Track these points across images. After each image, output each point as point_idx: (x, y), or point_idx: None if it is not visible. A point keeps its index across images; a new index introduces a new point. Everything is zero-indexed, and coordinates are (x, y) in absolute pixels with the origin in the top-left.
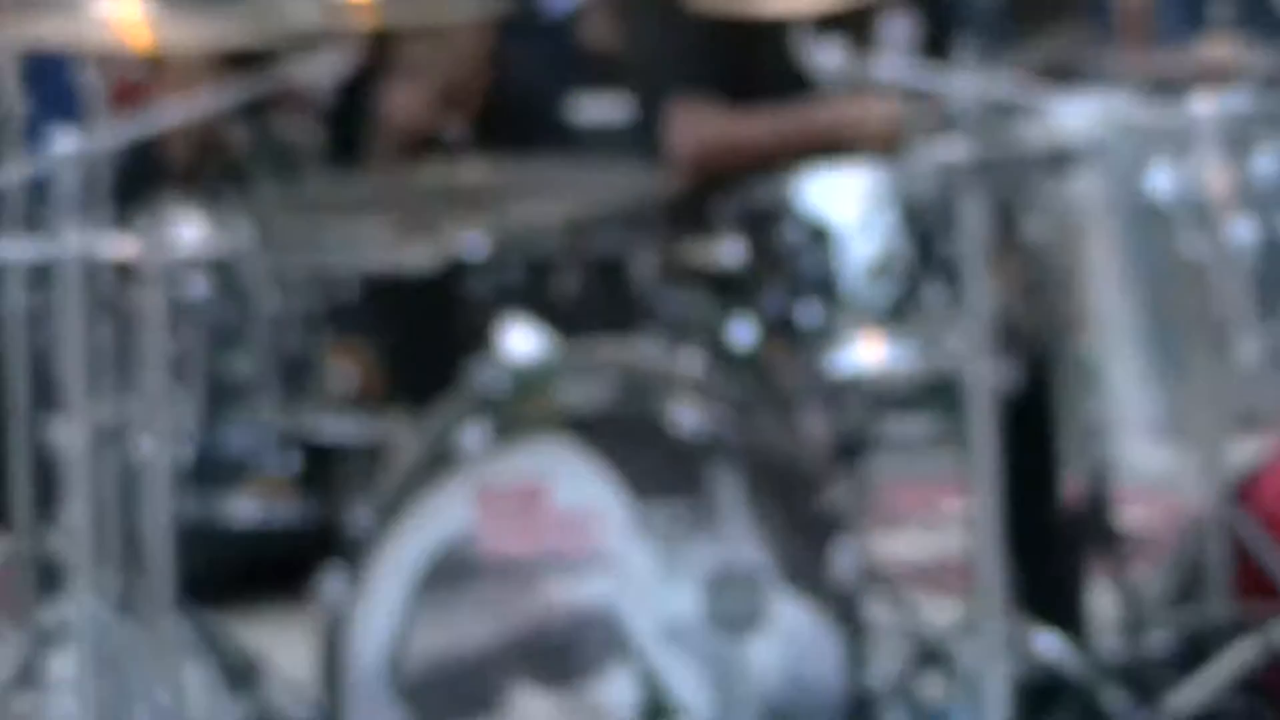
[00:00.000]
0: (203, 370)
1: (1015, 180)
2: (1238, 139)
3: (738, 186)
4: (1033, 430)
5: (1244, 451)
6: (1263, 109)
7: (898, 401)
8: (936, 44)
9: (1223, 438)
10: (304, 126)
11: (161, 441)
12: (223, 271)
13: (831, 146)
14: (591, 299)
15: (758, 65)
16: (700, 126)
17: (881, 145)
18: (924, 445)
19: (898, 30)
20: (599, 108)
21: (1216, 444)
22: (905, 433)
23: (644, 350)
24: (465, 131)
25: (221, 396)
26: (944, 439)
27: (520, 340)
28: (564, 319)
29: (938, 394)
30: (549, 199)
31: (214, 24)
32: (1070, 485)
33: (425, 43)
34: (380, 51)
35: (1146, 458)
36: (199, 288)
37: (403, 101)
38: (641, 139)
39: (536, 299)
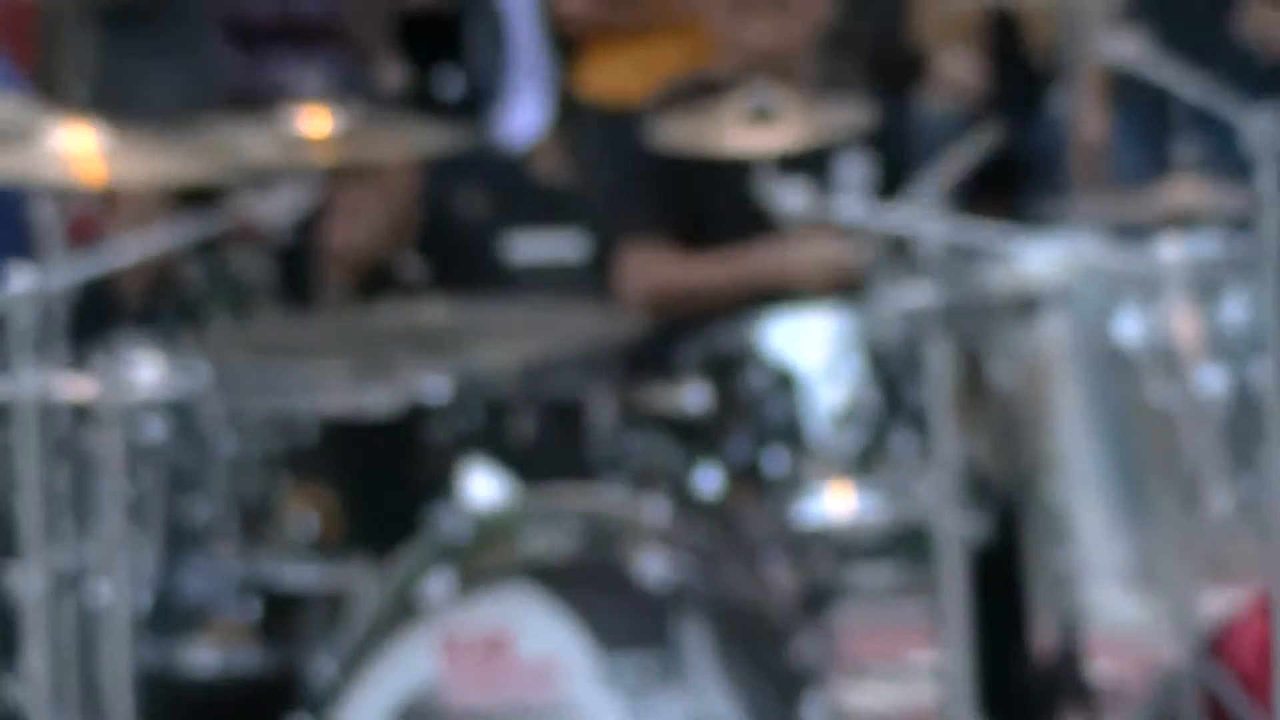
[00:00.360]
0: (161, 514)
1: (982, 326)
2: (1206, 284)
3: (700, 330)
4: (1003, 579)
5: (1216, 602)
6: (1230, 253)
7: (865, 550)
8: (892, 185)
9: (1194, 588)
10: (259, 262)
11: (120, 587)
12: (180, 413)
13: (783, 289)
14: (551, 442)
15: (716, 204)
16: (650, 269)
17: (833, 286)
18: (892, 593)
19: (854, 171)
20: (548, 244)
21: (1188, 594)
22: (872, 580)
23: (608, 497)
24: (420, 267)
25: (180, 541)
26: (912, 587)
27: (482, 485)
28: (524, 463)
29: (905, 542)
30: (509, 341)
31: (169, 159)
32: (1041, 635)
33: (360, 178)
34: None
35: (1117, 607)
36: (156, 430)
37: (343, 235)
38: (594, 277)
39: (496, 442)
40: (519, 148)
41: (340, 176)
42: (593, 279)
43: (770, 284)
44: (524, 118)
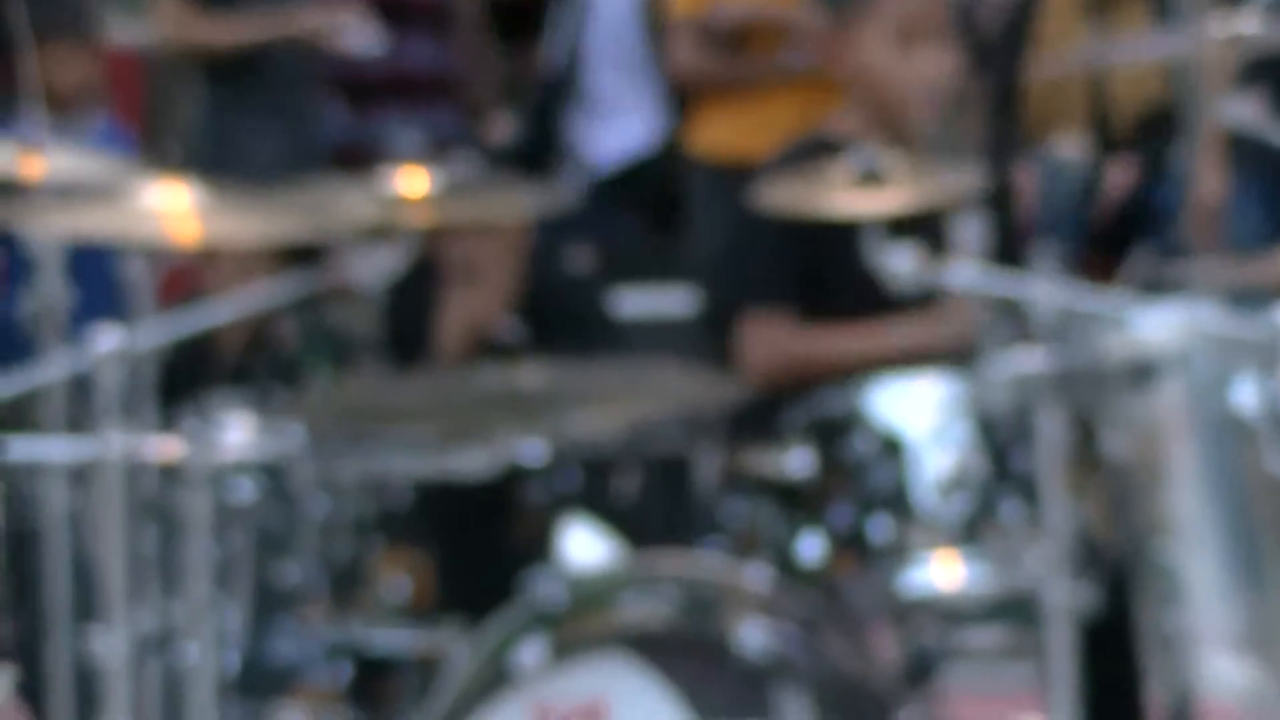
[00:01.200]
0: (250, 576)
1: (1095, 392)
2: None
3: (806, 394)
4: (1114, 646)
5: None
6: None
7: (971, 616)
8: (1010, 249)
9: None
10: (358, 320)
11: (207, 650)
12: (271, 475)
13: (906, 362)
14: (652, 505)
15: (828, 267)
16: (773, 341)
17: (956, 357)
18: (998, 658)
19: (971, 232)
20: (656, 300)
21: None
22: (979, 645)
23: (708, 563)
24: (523, 332)
25: (269, 604)
26: (1019, 651)
27: (580, 549)
28: (624, 526)
29: (1013, 607)
30: (609, 406)
31: (266, 217)
32: (1153, 703)
33: (477, 241)
34: (433, 248)
35: (1231, 675)
36: (246, 491)
37: (467, 306)
38: (703, 334)
39: (596, 503)
40: (629, 160)
41: (455, 239)
42: (702, 336)
43: (897, 358)
44: (634, 131)
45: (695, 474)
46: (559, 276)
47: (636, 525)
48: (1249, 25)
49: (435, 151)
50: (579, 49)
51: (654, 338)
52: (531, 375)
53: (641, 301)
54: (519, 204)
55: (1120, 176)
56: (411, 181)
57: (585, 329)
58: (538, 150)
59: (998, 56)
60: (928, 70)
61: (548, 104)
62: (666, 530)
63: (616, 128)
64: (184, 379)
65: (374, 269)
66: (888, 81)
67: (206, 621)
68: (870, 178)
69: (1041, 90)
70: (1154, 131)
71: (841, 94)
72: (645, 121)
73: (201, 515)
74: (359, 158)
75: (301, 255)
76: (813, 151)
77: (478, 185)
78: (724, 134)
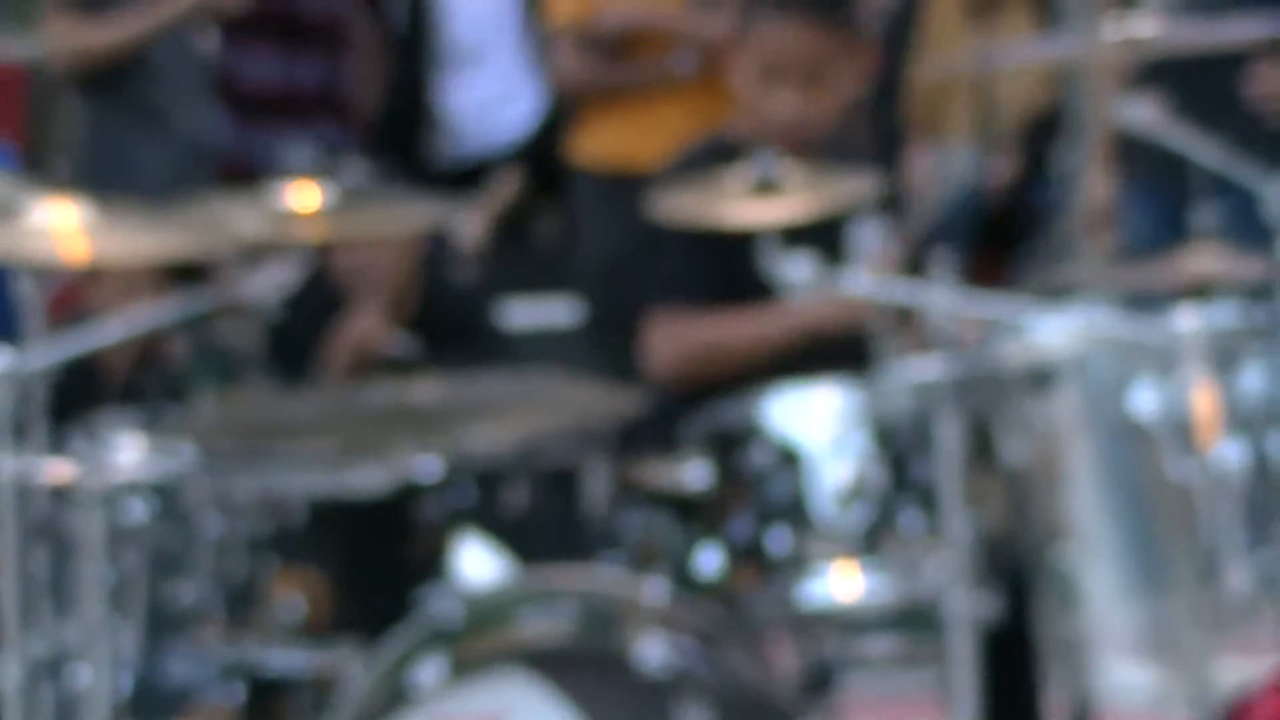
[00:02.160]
0: (143, 597)
1: (993, 399)
2: (1223, 355)
3: (702, 406)
4: (1013, 652)
5: (1232, 676)
6: (1249, 323)
7: (871, 625)
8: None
9: (1209, 662)
10: (247, 336)
11: (101, 672)
12: (163, 495)
13: (806, 342)
14: (548, 519)
15: (727, 275)
16: (679, 334)
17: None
18: (898, 667)
19: (869, 238)
20: (543, 311)
21: (1203, 668)
22: (879, 654)
23: (606, 578)
24: (414, 347)
25: (163, 625)
26: (920, 660)
27: (476, 565)
28: (519, 540)
29: (913, 616)
30: (503, 420)
31: (155, 234)
32: (1052, 708)
33: (368, 252)
34: (324, 261)
35: (1130, 680)
36: (139, 511)
37: (357, 324)
38: (591, 343)
39: (490, 519)
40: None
41: (347, 248)
42: (589, 345)
43: (796, 337)
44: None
45: (590, 487)
46: (447, 287)
47: (532, 540)
48: (1143, 27)
49: (325, 166)
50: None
51: (542, 348)
52: (424, 390)
53: (528, 313)
54: (410, 217)
55: (1004, 178)
56: (301, 196)
57: (473, 340)
58: (404, 118)
59: (882, 60)
60: (785, 111)
61: (405, 66)
62: (563, 545)
63: (485, 78)
64: (73, 399)
65: (264, 285)
66: (748, 105)
67: (100, 643)
68: (767, 185)
69: (927, 93)
70: (1039, 133)
71: (731, 100)
72: (521, 84)
73: (94, 536)
74: (248, 172)
75: (191, 271)
76: (710, 157)
77: (368, 198)
78: (611, 142)
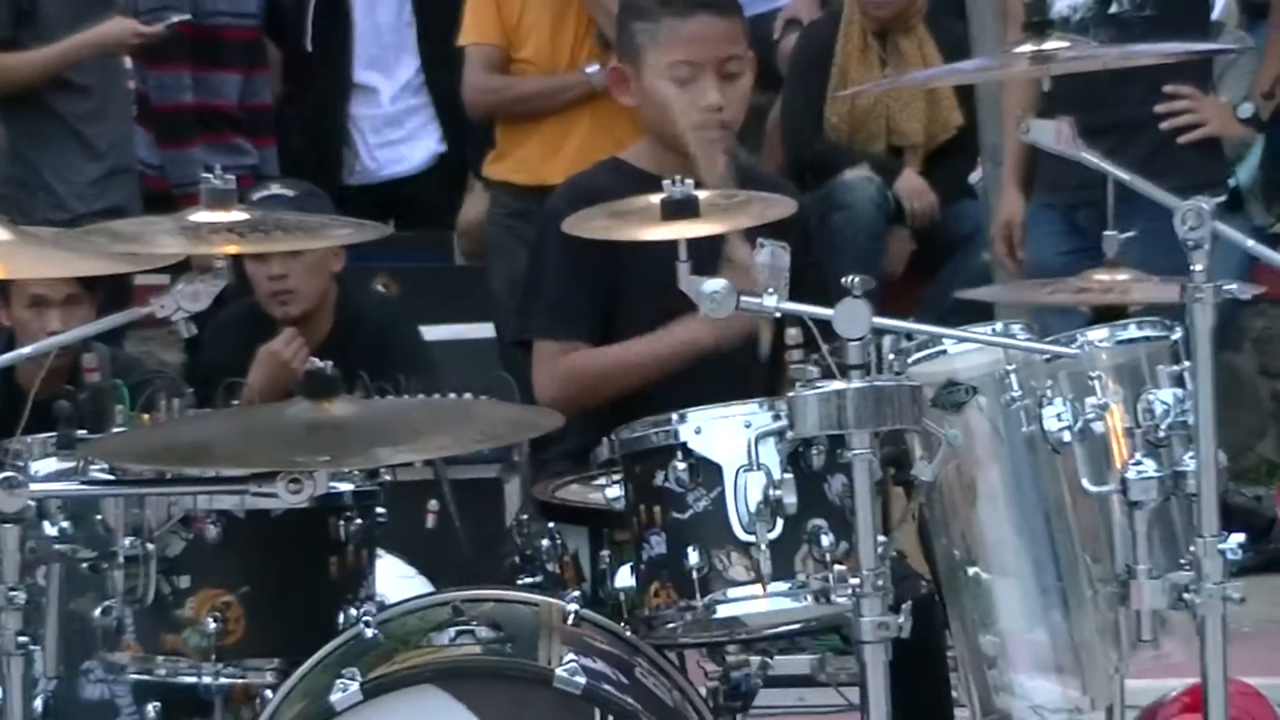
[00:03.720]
0: (58, 618)
1: (907, 416)
2: (1136, 372)
3: (618, 423)
4: (925, 667)
5: (1144, 693)
6: (1161, 341)
7: (786, 643)
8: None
9: (1121, 678)
10: (164, 352)
11: (14, 693)
12: (78, 514)
13: (694, 361)
14: (465, 536)
15: (631, 295)
16: (557, 363)
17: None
18: (812, 683)
19: (769, 256)
20: (461, 327)
21: (1115, 684)
22: (793, 672)
23: (521, 596)
24: (332, 367)
25: (78, 645)
26: (834, 677)
27: (392, 583)
28: (436, 558)
29: (827, 634)
30: (421, 440)
31: (72, 252)
32: None
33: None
34: (245, 277)
35: (1041, 694)
36: (54, 531)
37: (279, 343)
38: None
39: (407, 537)
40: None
41: (259, 268)
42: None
43: (683, 357)
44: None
45: (508, 505)
46: (364, 306)
47: (448, 558)
48: (1054, 50)
49: (246, 184)
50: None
51: (459, 364)
52: (342, 409)
53: (447, 330)
54: (330, 235)
55: (920, 196)
56: (221, 214)
57: (390, 358)
58: (317, 139)
59: (796, 88)
60: (700, 101)
61: (317, 87)
62: (479, 563)
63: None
64: None
65: (183, 302)
66: (666, 110)
67: (14, 664)
68: (680, 207)
69: (840, 121)
70: (951, 157)
71: (637, 124)
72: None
73: (8, 557)
74: (166, 190)
75: (110, 288)
76: (616, 180)
77: (283, 217)
78: (521, 159)
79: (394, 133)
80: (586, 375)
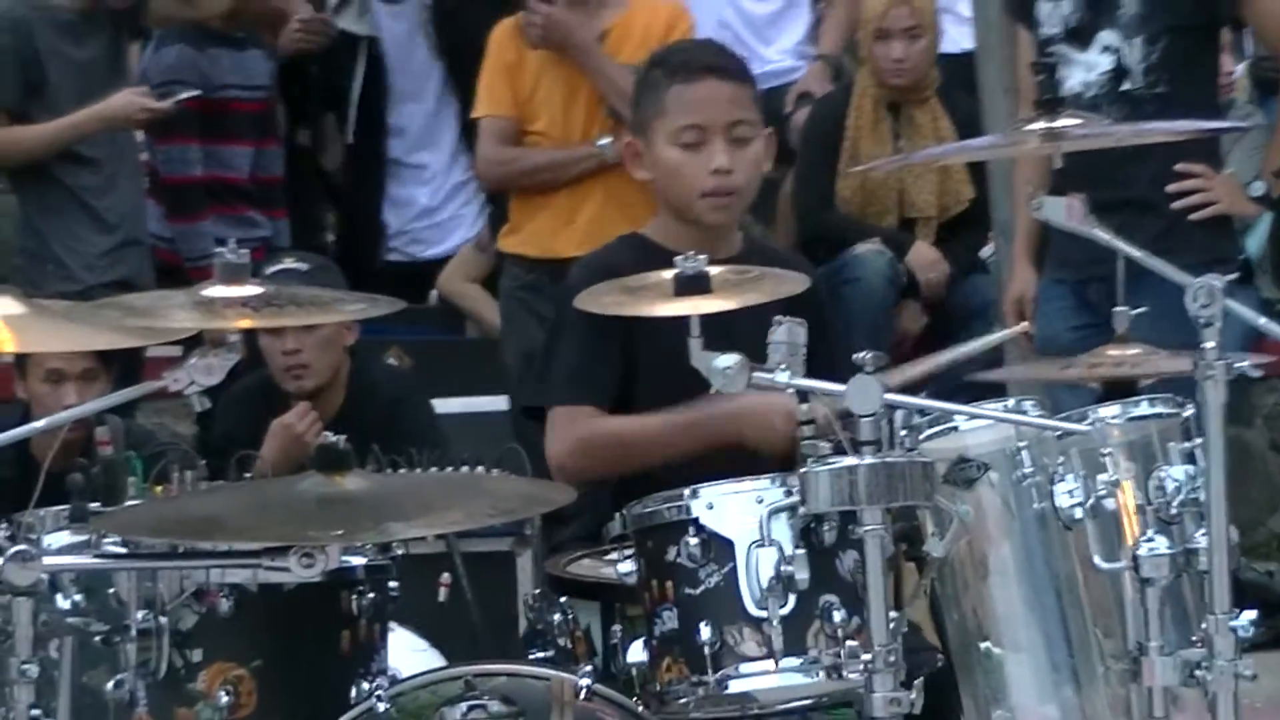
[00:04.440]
0: (71, 690)
1: (919, 491)
2: (1147, 449)
3: (631, 499)
4: None
5: None
6: (1172, 418)
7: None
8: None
9: None
10: (177, 425)
11: None
12: (91, 587)
13: (726, 443)
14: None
15: (646, 371)
16: (572, 430)
17: (779, 443)
18: None
19: (786, 333)
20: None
21: None
22: None
23: (533, 669)
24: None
25: (90, 716)
26: None
27: (404, 657)
28: (448, 631)
29: (838, 710)
30: (433, 514)
31: (85, 326)
32: None
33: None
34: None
35: None
36: (66, 604)
37: (304, 421)
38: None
39: (419, 610)
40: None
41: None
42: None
43: (715, 438)
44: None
45: (520, 579)
46: (376, 381)
47: (461, 631)
48: (1066, 127)
49: (258, 256)
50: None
51: (470, 431)
52: (354, 483)
53: (460, 403)
54: (342, 310)
55: (933, 267)
56: (235, 289)
57: (404, 423)
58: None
59: (808, 161)
60: (708, 165)
61: (355, 174)
62: (491, 637)
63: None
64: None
65: (194, 375)
66: (675, 177)
67: None
68: (691, 283)
69: (852, 194)
70: (963, 231)
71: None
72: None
73: (22, 629)
74: (180, 264)
75: (122, 361)
76: (635, 255)
77: (302, 292)
78: (533, 232)
79: (437, 216)
80: (602, 442)
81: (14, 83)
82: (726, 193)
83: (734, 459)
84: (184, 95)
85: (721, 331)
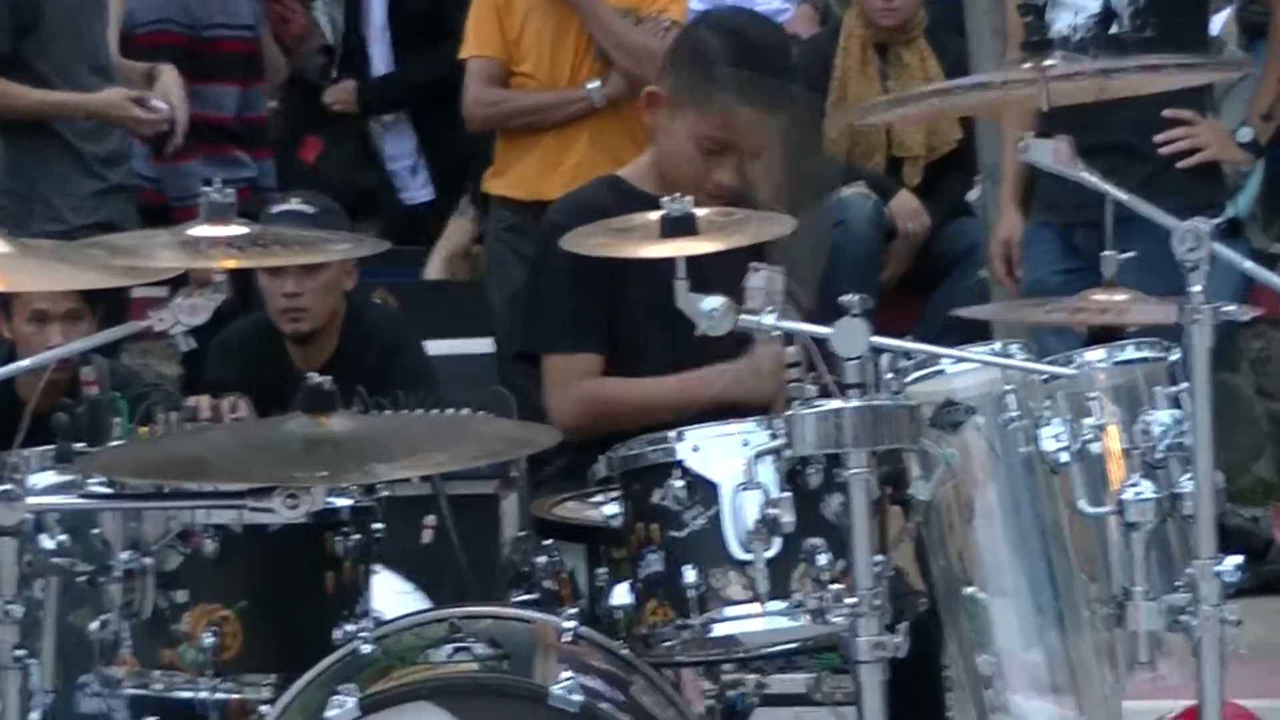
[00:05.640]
0: (55, 631)
1: (904, 435)
2: (1133, 394)
3: (615, 441)
4: (921, 686)
5: (1141, 715)
6: (1156, 362)
7: (782, 662)
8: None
9: (1117, 700)
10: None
11: (11, 707)
12: (76, 528)
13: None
14: (461, 553)
15: (634, 312)
16: (578, 387)
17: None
18: (809, 702)
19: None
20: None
21: (1111, 706)
22: (790, 691)
23: (518, 612)
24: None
25: (75, 659)
26: (830, 697)
27: (389, 599)
28: (433, 574)
29: (824, 653)
30: (418, 456)
31: (71, 266)
32: None
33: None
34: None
35: (1039, 715)
36: (51, 545)
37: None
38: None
39: (404, 553)
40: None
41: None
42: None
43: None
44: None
45: (505, 521)
46: (373, 317)
47: (446, 574)
48: (1052, 68)
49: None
50: None
51: (456, 373)
52: (339, 425)
53: (446, 344)
54: (328, 250)
55: (914, 218)
56: (220, 229)
57: (397, 367)
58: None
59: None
60: (714, 175)
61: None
62: (476, 579)
63: None
64: None
65: (181, 316)
66: (680, 164)
67: (10, 678)
68: (678, 225)
69: (839, 135)
70: (950, 171)
71: (640, 138)
72: None
73: (7, 569)
74: (165, 204)
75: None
76: (615, 198)
77: (286, 232)
78: (519, 174)
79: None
80: (608, 404)
81: (6, 22)
82: (721, 196)
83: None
84: (176, 140)
85: (706, 274)
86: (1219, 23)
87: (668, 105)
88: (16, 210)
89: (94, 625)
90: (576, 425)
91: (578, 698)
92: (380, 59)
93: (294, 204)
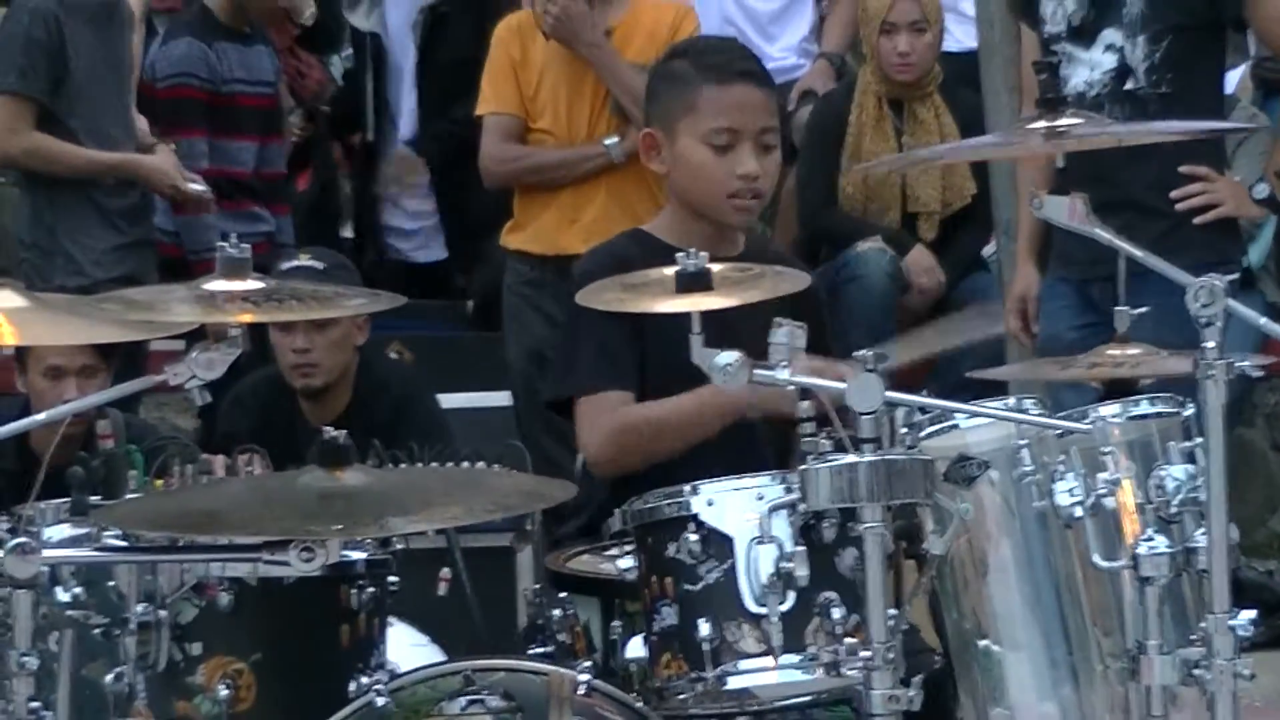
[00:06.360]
0: (70, 683)
1: (920, 488)
2: (1147, 448)
3: (630, 495)
4: None
5: None
6: (1172, 417)
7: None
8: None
9: None
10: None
11: None
12: (91, 580)
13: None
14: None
15: (654, 365)
16: (608, 416)
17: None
18: None
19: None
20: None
21: None
22: None
23: (532, 665)
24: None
25: (89, 709)
26: None
27: (403, 652)
28: (447, 627)
29: (837, 707)
30: (434, 509)
31: (87, 321)
32: None
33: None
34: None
35: None
36: (66, 597)
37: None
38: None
39: (419, 606)
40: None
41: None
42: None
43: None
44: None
45: (520, 574)
46: (385, 370)
47: (460, 626)
48: (1069, 126)
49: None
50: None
51: (471, 426)
52: (354, 478)
53: (462, 398)
54: (344, 305)
55: (928, 274)
56: (237, 283)
57: (410, 420)
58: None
59: (811, 159)
60: (737, 169)
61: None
62: (491, 632)
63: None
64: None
65: (197, 370)
66: (701, 176)
67: None
68: (693, 280)
69: (855, 189)
70: (966, 226)
71: (657, 193)
72: None
73: (22, 621)
74: (183, 257)
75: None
76: (642, 250)
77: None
78: (537, 229)
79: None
80: (633, 429)
81: (45, 75)
82: (753, 196)
83: (739, 450)
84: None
85: (721, 329)
86: (1234, 79)
87: (664, 133)
88: (38, 263)
89: (109, 678)
90: (607, 458)
91: None
92: (406, 125)
93: (304, 259)
